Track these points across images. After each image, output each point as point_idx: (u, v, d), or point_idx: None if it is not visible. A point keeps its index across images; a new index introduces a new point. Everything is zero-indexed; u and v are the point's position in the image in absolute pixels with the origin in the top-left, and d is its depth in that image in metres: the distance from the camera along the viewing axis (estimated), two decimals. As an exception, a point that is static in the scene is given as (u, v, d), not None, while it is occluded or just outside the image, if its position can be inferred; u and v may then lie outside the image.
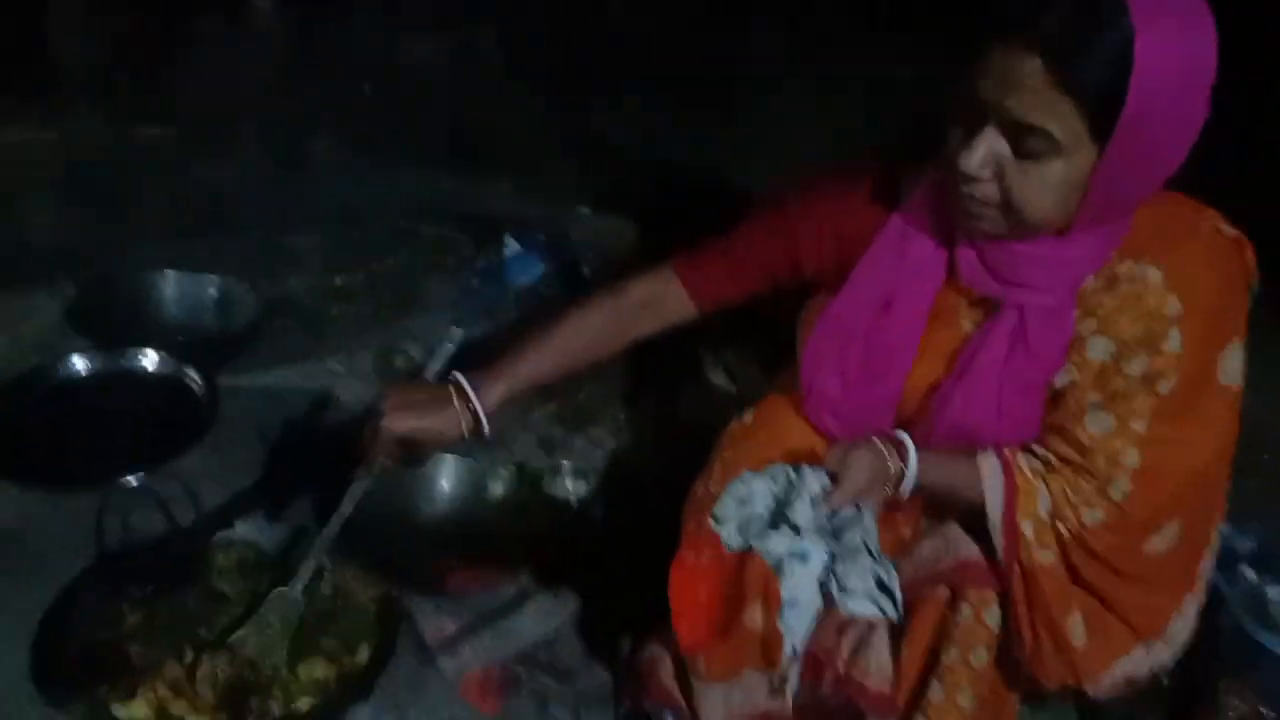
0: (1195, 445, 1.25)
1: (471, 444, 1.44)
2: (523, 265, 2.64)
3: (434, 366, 1.45)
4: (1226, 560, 1.87)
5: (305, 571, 1.48)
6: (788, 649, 1.27)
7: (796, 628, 1.21)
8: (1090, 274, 1.25)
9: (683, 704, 1.57)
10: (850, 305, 1.38)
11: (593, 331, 1.47)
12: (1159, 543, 1.27)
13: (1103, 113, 1.07)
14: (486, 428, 1.38)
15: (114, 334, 2.14)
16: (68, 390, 2.02)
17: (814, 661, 1.47)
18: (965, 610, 1.37)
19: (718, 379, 2.23)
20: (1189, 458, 1.25)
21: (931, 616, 1.42)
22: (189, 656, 1.44)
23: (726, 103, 3.96)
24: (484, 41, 4.27)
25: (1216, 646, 1.74)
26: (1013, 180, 1.15)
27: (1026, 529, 1.28)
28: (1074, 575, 1.29)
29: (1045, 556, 1.28)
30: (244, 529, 1.66)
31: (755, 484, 1.26)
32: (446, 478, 1.98)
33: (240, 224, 2.84)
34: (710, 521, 1.28)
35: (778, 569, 1.20)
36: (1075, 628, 1.30)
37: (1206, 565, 1.36)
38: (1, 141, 3.25)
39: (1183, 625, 1.35)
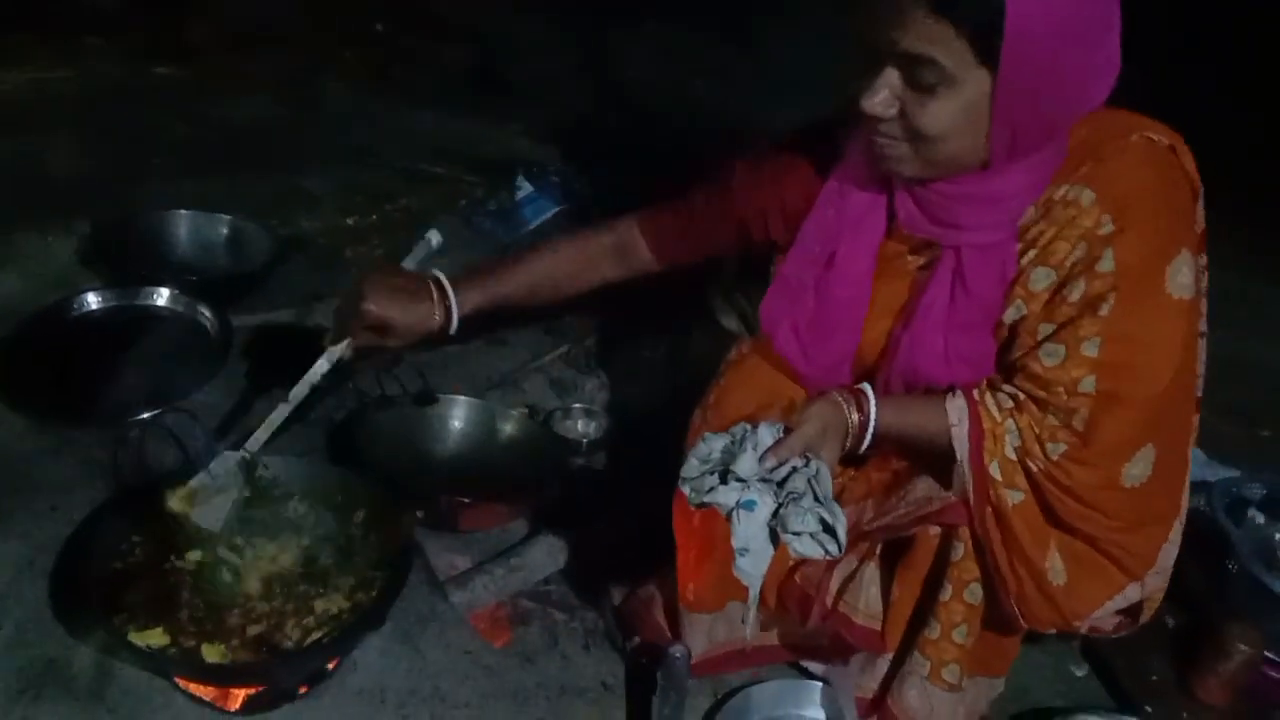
0: (1152, 365, 1.22)
1: (434, 342, 1.50)
2: (535, 206, 2.64)
3: (411, 261, 1.52)
4: (1236, 505, 1.88)
5: (262, 434, 1.53)
6: (749, 596, 1.29)
7: (753, 573, 1.23)
8: (1027, 205, 1.24)
9: (676, 640, 1.60)
10: (797, 264, 1.40)
11: (564, 264, 1.58)
12: (1135, 471, 1.25)
13: (986, 38, 1.07)
14: (455, 327, 1.47)
15: (129, 273, 2.17)
16: (83, 327, 2.04)
17: (801, 595, 1.49)
18: (958, 548, 1.38)
19: (729, 322, 2.22)
20: (1146, 380, 1.22)
21: (924, 554, 1.43)
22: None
23: (746, 35, 3.89)
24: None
25: (1224, 590, 1.75)
26: (914, 115, 1.15)
27: (993, 470, 1.27)
28: (1052, 516, 1.28)
29: (1014, 496, 1.28)
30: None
31: (714, 443, 1.28)
32: (459, 418, 2.00)
33: (254, 164, 2.85)
34: (679, 483, 1.29)
35: (729, 519, 1.22)
36: (1054, 565, 1.30)
37: (1186, 489, 1.35)
38: (18, 80, 3.25)
39: (1170, 551, 1.34)
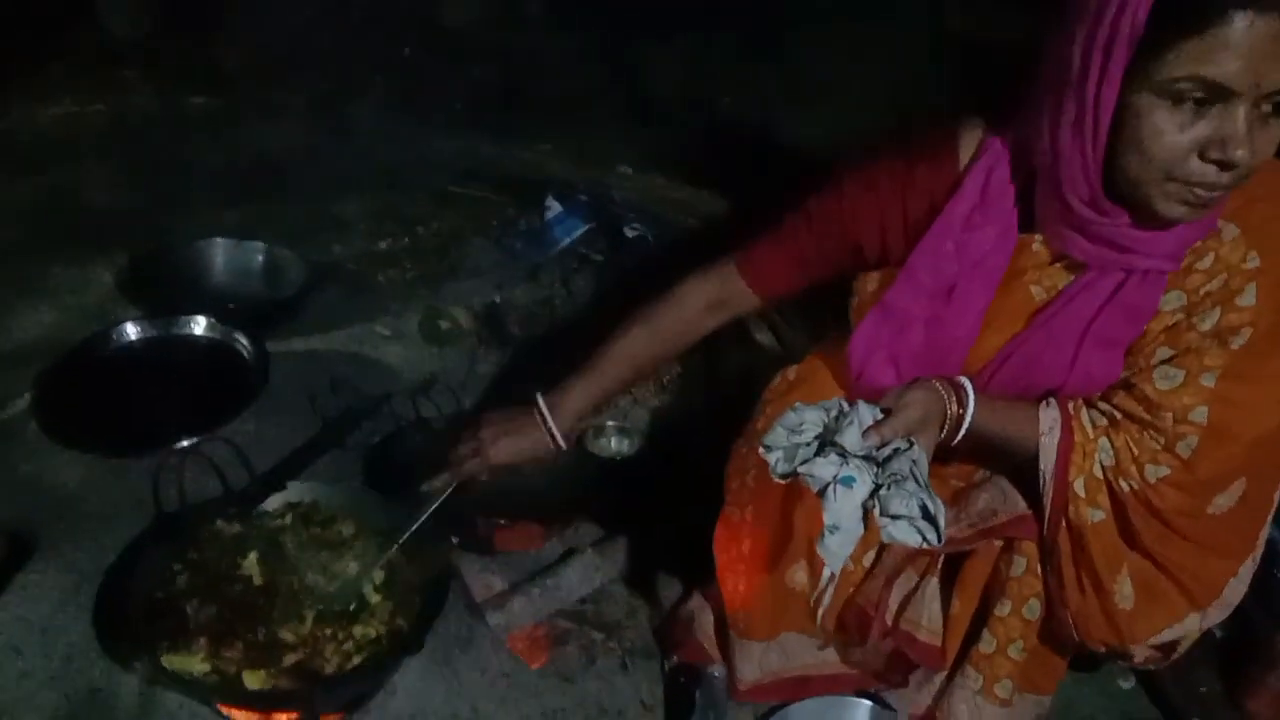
0: (1266, 405, 1.20)
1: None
2: (565, 226, 2.64)
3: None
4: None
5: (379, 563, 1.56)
6: (825, 573, 1.27)
7: (838, 553, 1.17)
8: (1205, 233, 1.19)
9: (718, 660, 1.59)
10: (907, 295, 1.32)
11: (664, 336, 1.50)
12: (1223, 502, 1.23)
13: None
14: (563, 444, 1.51)
15: (166, 302, 2.20)
16: (122, 358, 2.07)
17: (860, 614, 1.48)
18: (1019, 563, 1.36)
19: (763, 338, 2.22)
20: (1259, 417, 1.20)
21: (984, 568, 1.41)
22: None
23: (775, 50, 3.87)
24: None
25: (1271, 600, 1.71)
26: (1258, 148, 1.05)
27: (1078, 486, 1.25)
28: (1130, 537, 1.26)
29: (1094, 515, 1.26)
30: (295, 490, 1.69)
31: (807, 414, 1.23)
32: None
33: (286, 190, 2.87)
34: (760, 450, 1.25)
35: (822, 494, 1.17)
36: (1123, 588, 1.28)
37: (1266, 530, 1.31)
38: (52, 114, 3.31)
39: (1237, 588, 1.31)
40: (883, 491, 1.16)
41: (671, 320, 1.50)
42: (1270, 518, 1.31)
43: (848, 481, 1.16)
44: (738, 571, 1.50)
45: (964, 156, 1.30)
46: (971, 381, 1.30)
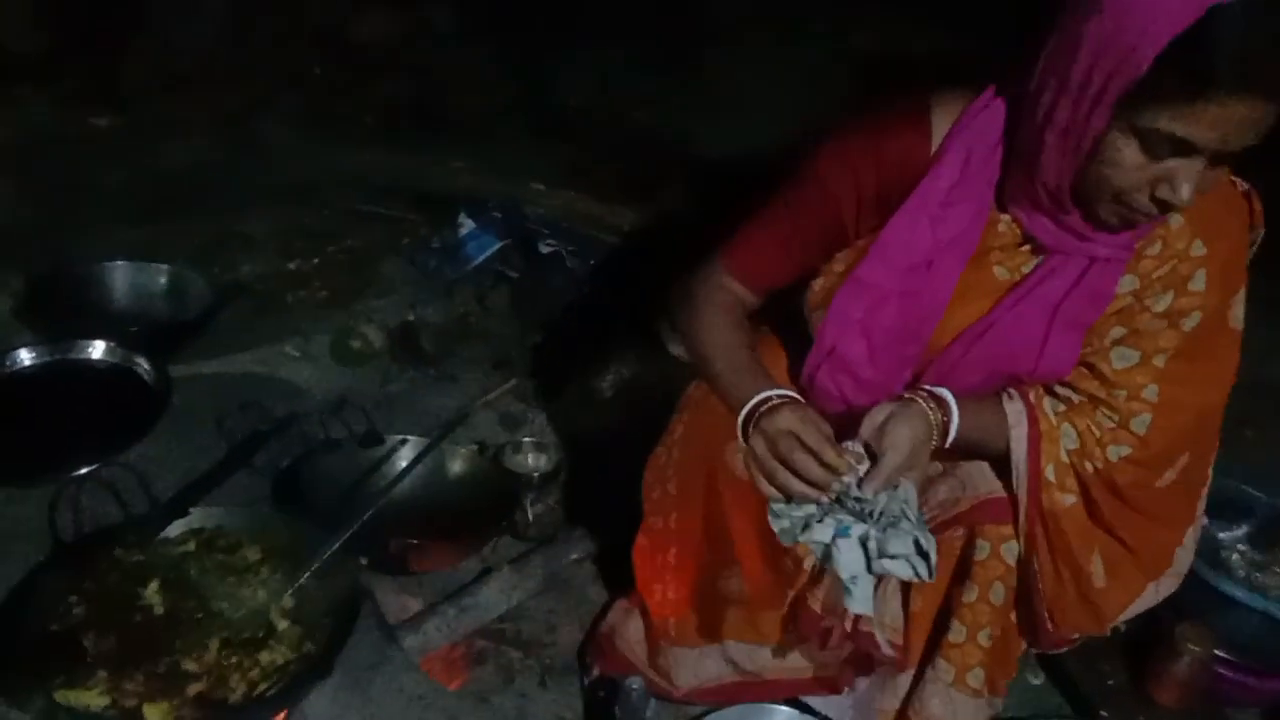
0: (1209, 382, 1.29)
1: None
2: (479, 243, 2.63)
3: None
4: (1180, 507, 1.90)
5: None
6: (851, 618, 1.36)
7: (863, 596, 1.22)
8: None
9: (644, 670, 1.58)
10: (879, 271, 1.32)
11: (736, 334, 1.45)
12: (1170, 475, 1.32)
13: None
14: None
15: (65, 327, 2.13)
16: (16, 384, 2.01)
17: (812, 617, 1.47)
18: (983, 547, 1.38)
19: (677, 349, 2.22)
20: (1203, 393, 1.29)
21: (947, 561, 1.42)
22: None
23: (686, 62, 3.90)
24: (439, 13, 4.18)
25: (1174, 593, 1.76)
26: (1201, 190, 1.12)
27: (1049, 473, 1.30)
28: (1093, 515, 1.31)
29: (1066, 499, 1.31)
30: (200, 516, 1.64)
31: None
32: (406, 457, 1.97)
33: (192, 209, 2.81)
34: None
35: (827, 557, 1.22)
36: (1097, 569, 1.33)
37: (1203, 501, 1.40)
38: (-54, 133, 3.19)
39: (1184, 557, 1.39)
40: (877, 533, 1.21)
41: (719, 323, 1.44)
42: (1207, 489, 1.40)
43: (845, 531, 1.21)
44: (665, 581, 1.50)
45: (938, 133, 1.30)
46: (930, 374, 1.33)
